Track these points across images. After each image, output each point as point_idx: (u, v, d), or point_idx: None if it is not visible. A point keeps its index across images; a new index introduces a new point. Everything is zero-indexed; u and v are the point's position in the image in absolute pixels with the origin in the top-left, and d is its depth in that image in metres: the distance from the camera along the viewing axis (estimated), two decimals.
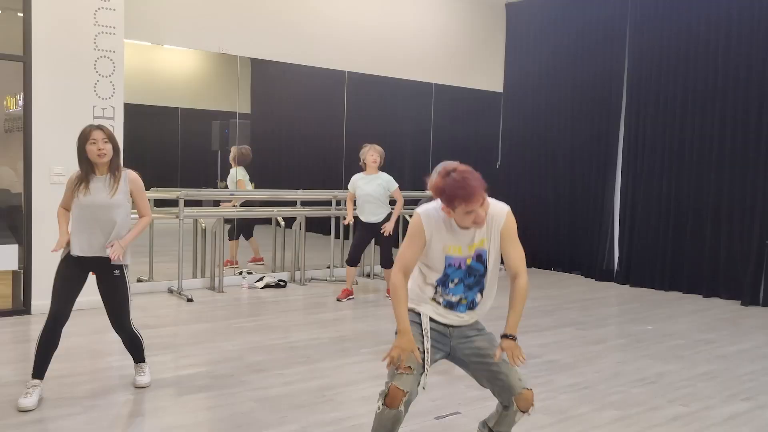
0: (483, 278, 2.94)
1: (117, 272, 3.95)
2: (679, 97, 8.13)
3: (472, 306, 2.96)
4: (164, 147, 8.94)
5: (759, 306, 7.44)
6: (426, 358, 2.85)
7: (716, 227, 7.84)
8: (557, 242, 9.51)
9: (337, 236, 8.41)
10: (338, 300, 7.00)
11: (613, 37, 8.82)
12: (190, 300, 6.72)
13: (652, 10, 8.41)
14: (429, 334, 2.91)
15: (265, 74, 8.98)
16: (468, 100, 9.88)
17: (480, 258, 2.91)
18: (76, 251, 3.88)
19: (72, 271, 3.92)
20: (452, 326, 2.96)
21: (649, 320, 6.63)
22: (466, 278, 2.91)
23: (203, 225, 7.63)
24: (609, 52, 8.86)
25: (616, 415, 3.95)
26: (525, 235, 3.58)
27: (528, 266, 9.23)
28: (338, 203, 8.28)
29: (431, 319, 2.95)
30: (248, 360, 4.81)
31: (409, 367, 2.79)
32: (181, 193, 7.12)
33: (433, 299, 2.95)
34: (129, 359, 4.27)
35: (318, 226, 8.67)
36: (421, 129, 9.68)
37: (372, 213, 6.94)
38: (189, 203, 7.26)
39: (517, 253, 2.92)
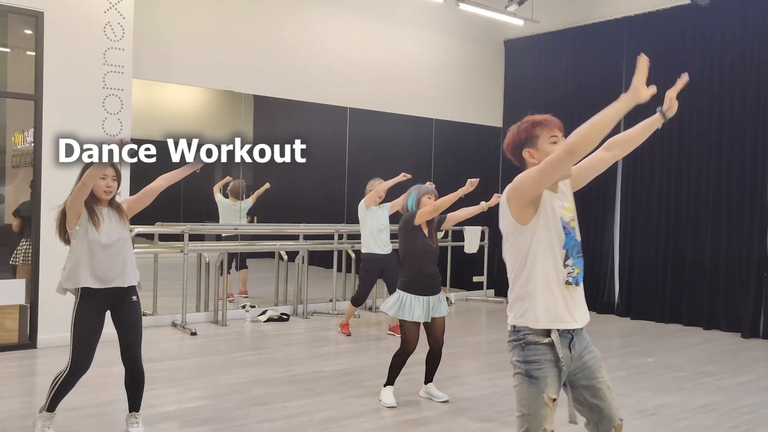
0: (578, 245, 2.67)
1: (135, 298, 3.86)
2: (676, 131, 8.26)
3: (582, 278, 2.67)
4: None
5: (759, 338, 7.46)
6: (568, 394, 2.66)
7: (715, 260, 7.91)
8: None
9: (339, 270, 8.47)
10: (348, 335, 7.00)
11: (609, 71, 8.98)
12: (193, 334, 6.76)
13: (647, 45, 8.57)
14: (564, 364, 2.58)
15: (267, 110, 9.14)
16: (468, 134, 10.03)
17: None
18: (96, 284, 3.72)
19: (93, 314, 3.76)
20: (574, 331, 2.60)
21: (650, 352, 6.67)
22: (574, 246, 2.65)
23: (207, 259, 7.70)
24: (606, 87, 9.00)
25: None
26: None
27: None
28: (341, 237, 8.35)
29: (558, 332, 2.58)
30: (252, 393, 4.85)
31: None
32: (186, 227, 7.21)
33: (567, 281, 2.59)
34: None
35: (320, 259, 8.74)
36: (421, 163, 9.80)
37: (385, 244, 6.88)
38: (192, 237, 7.36)
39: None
